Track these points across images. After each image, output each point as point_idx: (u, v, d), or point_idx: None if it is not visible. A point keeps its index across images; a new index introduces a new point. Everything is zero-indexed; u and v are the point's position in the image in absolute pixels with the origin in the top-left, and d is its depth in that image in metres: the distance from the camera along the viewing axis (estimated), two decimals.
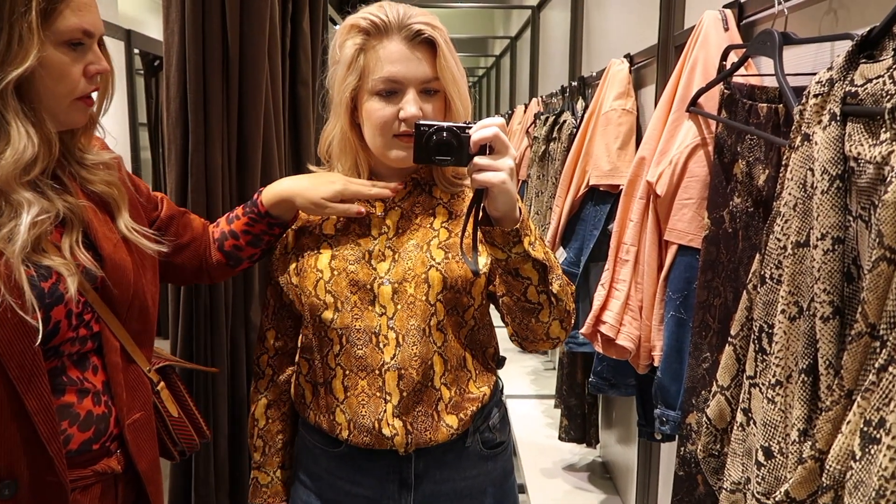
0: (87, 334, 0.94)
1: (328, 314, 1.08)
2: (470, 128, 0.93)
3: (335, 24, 3.18)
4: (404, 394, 1.05)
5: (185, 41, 1.43)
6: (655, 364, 1.54)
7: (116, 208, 1.00)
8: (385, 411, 1.06)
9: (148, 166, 3.29)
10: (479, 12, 8.21)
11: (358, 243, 1.10)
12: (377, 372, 1.06)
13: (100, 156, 1.00)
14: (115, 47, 2.79)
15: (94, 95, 0.95)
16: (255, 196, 1.15)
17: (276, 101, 1.59)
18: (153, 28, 3.30)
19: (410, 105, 1.02)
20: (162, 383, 1.10)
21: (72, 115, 0.91)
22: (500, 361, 1.19)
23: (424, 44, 1.03)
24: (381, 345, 1.06)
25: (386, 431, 1.06)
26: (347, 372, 1.08)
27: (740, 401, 1.01)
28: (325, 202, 1.08)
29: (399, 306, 1.06)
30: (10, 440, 0.85)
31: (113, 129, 1.06)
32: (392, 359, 1.05)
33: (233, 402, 1.58)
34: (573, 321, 1.09)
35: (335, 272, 1.08)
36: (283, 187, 1.13)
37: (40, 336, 0.85)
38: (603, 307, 1.63)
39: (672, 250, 1.46)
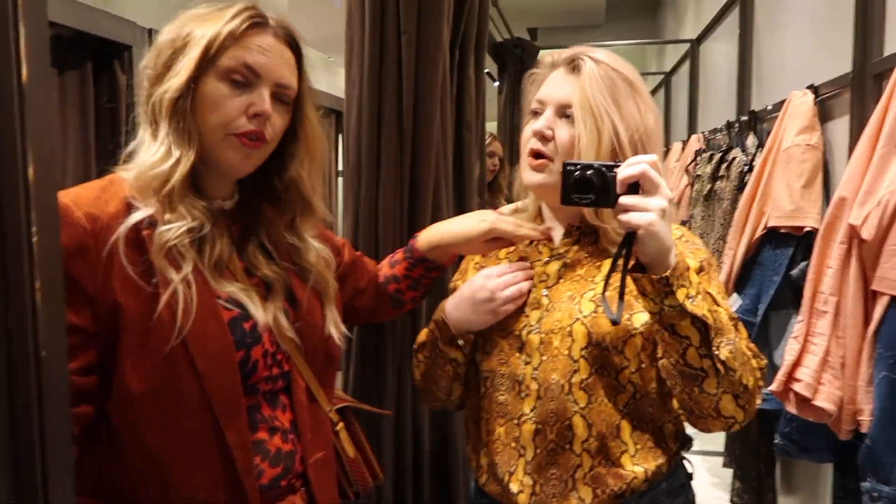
0: (278, 373, 0.98)
1: (478, 356, 1.07)
2: (618, 166, 0.88)
3: (487, 70, 3.25)
4: (538, 451, 0.99)
5: (364, 91, 1.50)
6: (862, 430, 1.36)
7: (325, 296, 1.05)
8: (517, 465, 1.01)
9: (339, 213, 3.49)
10: (631, 50, 8.07)
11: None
12: (515, 421, 1.02)
13: (313, 245, 1.04)
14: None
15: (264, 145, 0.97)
16: (411, 241, 1.19)
17: (444, 146, 1.62)
18: (321, 82, 3.54)
19: (541, 121, 1.02)
20: (341, 423, 1.12)
21: (225, 152, 0.92)
22: (685, 442, 1.07)
23: (577, 70, 1.02)
24: (522, 394, 1.02)
25: (513, 487, 1.00)
26: (489, 417, 1.05)
27: None
28: (479, 241, 1.11)
29: (544, 358, 1.00)
30: (211, 473, 0.89)
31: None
32: (531, 411, 1.00)
33: (398, 445, 1.59)
34: (757, 400, 0.96)
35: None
36: (436, 231, 1.17)
37: (242, 372, 0.90)
38: (797, 363, 1.47)
39: (882, 302, 1.29)
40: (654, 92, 6.70)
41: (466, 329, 1.06)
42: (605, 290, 0.93)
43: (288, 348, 0.99)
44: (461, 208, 1.80)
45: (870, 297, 1.35)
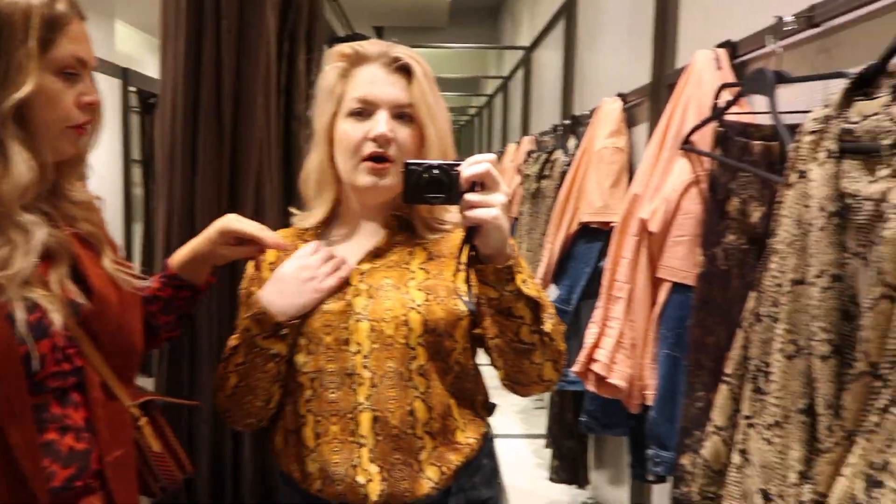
0: (69, 369, 0.92)
1: (301, 357, 1.04)
2: (459, 165, 0.92)
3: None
4: (380, 438, 1.00)
5: (179, 78, 1.42)
6: (648, 403, 1.51)
7: (100, 246, 0.99)
8: (359, 457, 1.00)
9: (140, 202, 3.28)
10: (473, 53, 8.36)
11: None
12: (350, 415, 1.01)
13: (86, 194, 1.00)
14: (112, 85, 2.79)
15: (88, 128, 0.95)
16: (167, 259, 1.12)
17: (269, 137, 1.58)
18: (150, 67, 3.31)
19: (380, 124, 1.00)
20: (144, 418, 1.06)
21: (62, 144, 0.91)
22: (491, 409, 1.13)
23: (402, 71, 1.03)
24: (354, 385, 1.01)
25: (360, 478, 0.99)
26: (319, 418, 1.03)
27: (737, 441, 0.98)
28: (219, 242, 1.07)
29: (376, 346, 1.01)
30: None
31: (107, 165, 1.07)
32: (366, 399, 1.01)
33: (214, 438, 1.53)
34: (565, 361, 1.06)
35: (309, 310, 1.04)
36: (185, 249, 1.10)
37: (35, 366, 0.84)
38: (595, 345, 1.60)
39: (665, 288, 1.44)
40: (493, 95, 6.99)
41: (294, 314, 1.02)
42: (469, 284, 0.95)
43: (81, 343, 0.93)
44: (290, 202, 1.76)
45: (656, 283, 1.50)
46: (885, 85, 0.84)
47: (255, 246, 1.09)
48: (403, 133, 1.02)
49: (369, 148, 1.01)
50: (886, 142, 0.77)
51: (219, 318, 1.52)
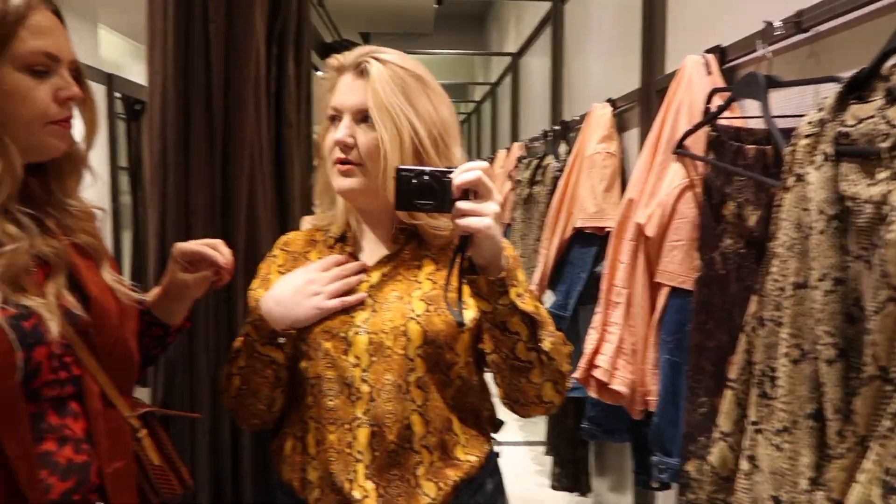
0: (67, 377, 0.90)
1: (303, 363, 1.04)
2: (451, 172, 0.90)
3: (318, 70, 3.21)
4: (377, 453, 0.99)
5: (167, 82, 1.41)
6: (651, 409, 1.50)
7: (99, 257, 0.98)
8: (355, 471, 0.99)
9: (127, 210, 3.26)
10: (460, 59, 8.37)
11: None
12: (347, 426, 1.00)
13: (84, 204, 0.98)
14: (97, 91, 2.76)
15: (76, 125, 0.93)
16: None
17: (260, 143, 1.57)
18: (134, 73, 3.30)
19: (339, 130, 1.01)
20: (144, 430, 1.05)
21: (48, 141, 0.89)
22: (497, 426, 1.11)
23: (365, 74, 1.01)
24: (352, 398, 1.00)
25: (356, 493, 0.98)
26: (317, 425, 1.02)
27: (744, 447, 0.98)
28: (178, 268, 1.05)
29: (374, 359, 0.99)
30: None
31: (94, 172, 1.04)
32: (364, 413, 0.99)
33: (214, 451, 1.52)
34: (568, 383, 1.03)
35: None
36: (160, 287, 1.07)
37: (21, 374, 0.82)
38: (596, 351, 1.60)
39: (664, 292, 1.44)
40: (481, 101, 7.00)
41: (290, 325, 1.02)
42: (446, 294, 0.94)
43: (79, 351, 0.91)
44: (283, 209, 1.75)
45: (655, 288, 1.50)
46: (879, 88, 0.84)
47: (210, 266, 1.07)
48: (366, 137, 1.00)
49: (336, 154, 1.02)
50: (885, 144, 0.78)
51: (216, 326, 1.51)
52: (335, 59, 1.05)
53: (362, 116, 1.01)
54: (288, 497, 1.07)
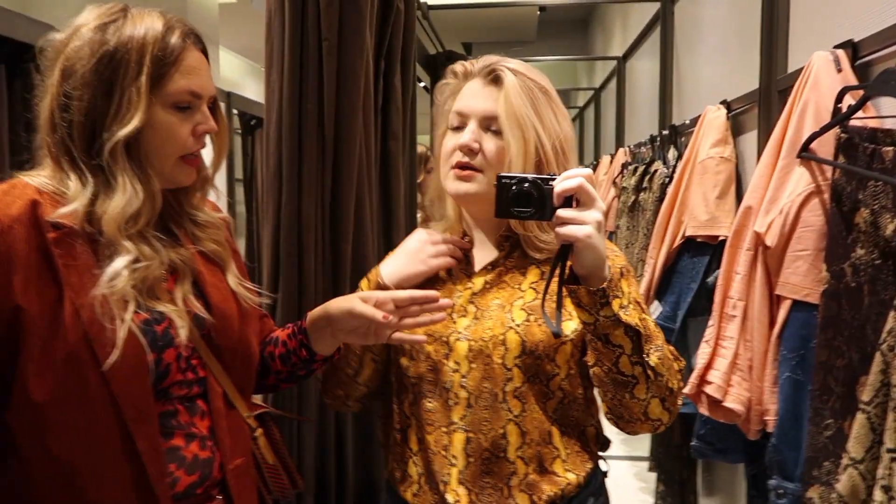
0: (193, 378, 0.96)
1: (404, 361, 1.05)
2: (554, 179, 0.88)
3: (420, 81, 3.26)
4: (471, 459, 0.99)
5: (283, 100, 1.48)
6: (769, 429, 1.41)
7: (224, 264, 1.04)
8: (449, 475, 1.00)
9: (242, 219, 3.45)
10: (563, 65, 8.28)
11: (445, 293, 1.06)
12: (444, 429, 1.01)
13: (210, 216, 1.05)
14: None
15: (203, 154, 0.99)
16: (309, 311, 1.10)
17: (368, 155, 1.62)
18: (250, 90, 3.49)
19: (465, 134, 1.01)
20: (260, 430, 1.09)
21: (176, 174, 0.95)
22: (605, 444, 1.08)
23: (497, 81, 1.01)
24: (450, 402, 1.01)
25: (449, 497, 0.99)
26: (419, 424, 1.04)
27: (879, 476, 0.90)
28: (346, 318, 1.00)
29: (474, 365, 1.00)
30: (121, 480, 0.87)
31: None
32: (461, 419, 1.00)
33: (320, 453, 1.57)
34: (679, 401, 0.99)
35: None
36: (322, 306, 1.05)
37: (152, 375, 0.88)
38: (708, 366, 1.52)
39: (785, 306, 1.35)
40: (585, 107, 6.89)
41: (398, 278, 1.04)
42: (543, 303, 0.93)
43: (203, 354, 0.97)
44: (388, 219, 1.80)
45: (774, 301, 1.41)
46: None
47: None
48: (492, 145, 1.01)
49: (456, 158, 1.02)
50: None
51: None
52: (461, 66, 1.06)
53: (489, 124, 1.01)
54: (390, 495, 1.09)
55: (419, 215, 2.11)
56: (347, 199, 1.55)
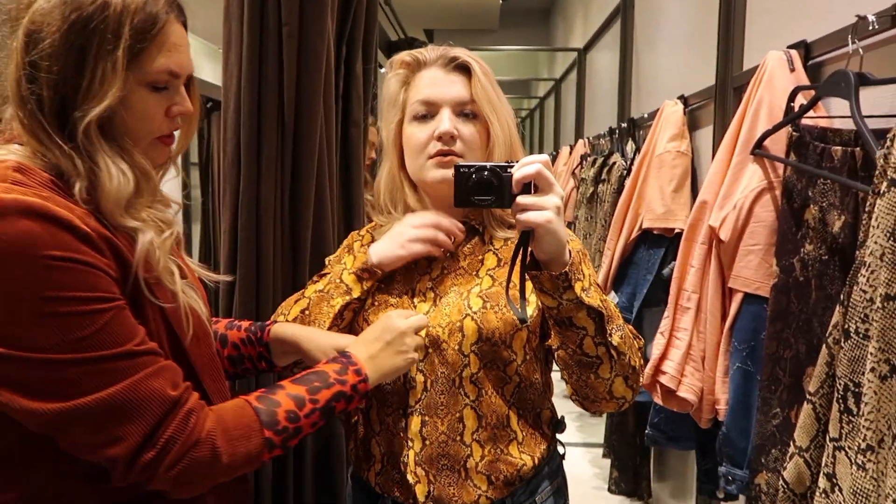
0: None
1: None
2: (512, 166, 0.89)
3: (382, 67, 3.24)
4: (427, 442, 1.00)
5: (241, 84, 1.44)
6: (719, 418, 1.45)
7: (180, 247, 1.00)
8: (407, 457, 1.01)
9: (198, 205, 3.36)
10: (524, 55, 8.31)
11: (406, 278, 1.07)
12: (401, 412, 1.03)
13: (164, 197, 1.00)
14: None
15: (176, 134, 0.92)
16: (268, 322, 1.09)
17: (329, 142, 1.60)
18: (207, 72, 3.40)
19: (444, 122, 1.00)
20: None
21: (150, 154, 0.88)
22: (558, 425, 1.10)
23: (461, 69, 1.03)
24: (407, 386, 1.02)
25: (409, 477, 1.01)
26: (379, 406, 1.05)
27: (823, 464, 0.94)
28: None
29: (430, 351, 1.01)
30: None
31: None
32: (416, 403, 1.01)
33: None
34: (641, 378, 1.01)
35: (376, 303, 1.05)
36: (295, 329, 1.05)
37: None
38: (663, 356, 1.56)
39: (737, 298, 1.39)
40: (545, 97, 6.93)
41: (382, 259, 1.03)
42: (507, 290, 0.94)
43: None
44: (349, 206, 1.78)
45: (727, 294, 1.44)
46: None
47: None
48: (468, 129, 1.02)
49: (435, 147, 1.01)
50: None
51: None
52: (410, 56, 1.05)
53: (461, 109, 1.02)
54: (354, 480, 1.11)
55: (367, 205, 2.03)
56: (307, 186, 1.53)
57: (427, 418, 1.00)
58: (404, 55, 1.07)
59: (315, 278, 1.14)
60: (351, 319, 1.07)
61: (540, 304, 0.97)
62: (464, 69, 1.03)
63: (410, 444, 1.01)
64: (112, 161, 0.80)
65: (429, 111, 1.03)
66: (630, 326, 1.02)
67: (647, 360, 1.69)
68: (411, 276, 1.07)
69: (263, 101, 1.46)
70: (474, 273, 1.05)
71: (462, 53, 1.03)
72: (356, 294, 1.05)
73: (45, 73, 0.76)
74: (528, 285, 0.94)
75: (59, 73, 0.76)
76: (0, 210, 0.69)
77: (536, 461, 1.04)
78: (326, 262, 1.17)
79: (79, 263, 0.72)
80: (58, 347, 0.70)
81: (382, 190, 1.10)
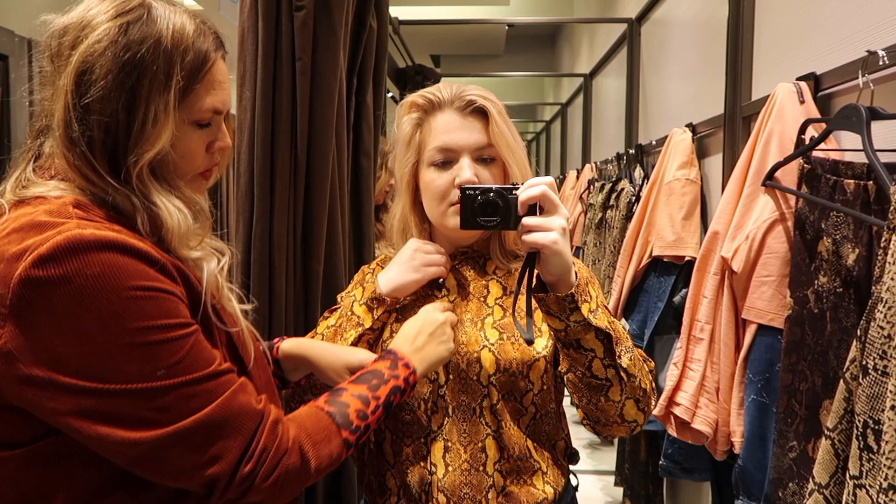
0: None
1: None
2: (517, 188, 0.90)
3: (389, 92, 3.25)
4: (450, 468, 1.00)
5: (256, 117, 1.46)
6: (735, 450, 1.44)
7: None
8: (430, 484, 1.00)
9: None
10: (530, 80, 8.37)
11: (424, 303, 1.06)
12: (423, 440, 1.01)
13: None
14: None
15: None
16: (276, 339, 1.09)
17: (340, 174, 1.61)
18: None
19: (465, 170, 1.00)
20: None
21: (191, 188, 0.87)
22: (573, 457, 1.10)
23: (477, 113, 1.02)
24: (429, 412, 1.02)
25: None
26: (395, 437, 1.04)
27: (843, 502, 0.93)
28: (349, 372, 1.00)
29: (451, 377, 1.01)
30: None
31: None
32: (439, 428, 1.01)
33: None
34: (653, 401, 1.01)
35: (395, 333, 1.04)
36: (306, 344, 1.06)
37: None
38: (676, 387, 1.55)
39: (751, 330, 1.38)
40: (551, 121, 6.97)
41: (392, 287, 1.04)
42: (514, 311, 0.94)
43: None
44: (359, 236, 1.79)
45: (740, 325, 1.44)
46: None
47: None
48: (487, 175, 1.02)
49: (457, 194, 1.01)
50: None
51: None
52: (423, 98, 1.05)
53: (479, 154, 1.02)
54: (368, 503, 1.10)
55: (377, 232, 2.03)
56: (320, 218, 1.54)
57: (450, 444, 1.00)
58: (416, 97, 1.06)
59: (326, 314, 1.15)
60: None
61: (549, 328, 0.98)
62: (480, 112, 1.02)
63: (434, 469, 1.00)
64: (167, 199, 0.79)
65: (447, 157, 1.02)
66: (640, 350, 1.02)
67: (659, 390, 1.68)
68: (431, 299, 1.07)
69: (277, 135, 1.48)
70: (482, 300, 1.06)
71: (477, 96, 1.03)
72: (367, 324, 1.05)
73: (97, 116, 0.74)
74: (540, 314, 0.94)
75: (111, 116, 0.75)
76: (80, 245, 0.68)
77: (557, 494, 1.03)
78: (338, 299, 1.17)
79: (161, 292, 0.72)
80: (152, 376, 0.70)
81: (395, 228, 1.11)
